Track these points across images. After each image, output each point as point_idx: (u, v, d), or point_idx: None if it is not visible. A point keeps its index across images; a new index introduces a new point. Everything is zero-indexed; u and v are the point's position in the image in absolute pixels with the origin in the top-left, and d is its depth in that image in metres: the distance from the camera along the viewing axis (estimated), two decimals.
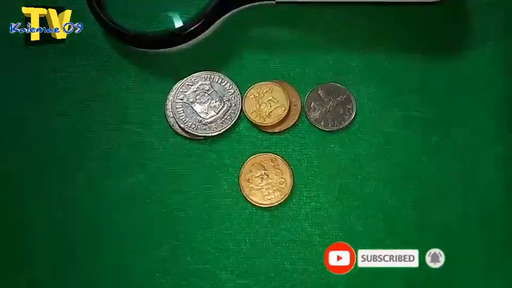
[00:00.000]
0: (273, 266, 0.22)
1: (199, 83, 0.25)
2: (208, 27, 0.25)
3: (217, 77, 0.25)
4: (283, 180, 0.23)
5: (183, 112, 0.24)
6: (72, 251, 0.23)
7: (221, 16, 0.25)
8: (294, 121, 0.24)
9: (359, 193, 0.23)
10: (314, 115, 0.24)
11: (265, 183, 0.23)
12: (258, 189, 0.23)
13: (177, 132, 0.24)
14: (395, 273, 0.22)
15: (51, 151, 0.24)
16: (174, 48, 0.25)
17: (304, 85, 0.24)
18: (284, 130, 0.24)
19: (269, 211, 0.23)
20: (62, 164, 0.24)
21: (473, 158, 0.23)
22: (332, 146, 0.24)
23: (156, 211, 0.23)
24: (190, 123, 0.24)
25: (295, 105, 0.24)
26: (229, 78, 0.25)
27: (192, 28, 0.24)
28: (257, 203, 0.23)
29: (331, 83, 0.24)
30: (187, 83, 0.25)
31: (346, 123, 0.24)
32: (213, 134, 0.24)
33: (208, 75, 0.25)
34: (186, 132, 0.24)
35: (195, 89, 0.25)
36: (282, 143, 0.24)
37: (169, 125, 0.24)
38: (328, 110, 0.24)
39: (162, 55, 0.25)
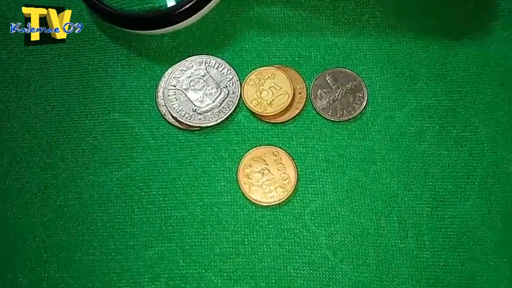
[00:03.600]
0: (274, 271, 0.21)
1: (194, 68, 0.23)
2: (204, 6, 0.23)
3: (214, 62, 0.23)
4: (286, 175, 0.21)
5: (176, 100, 0.23)
6: (53, 252, 0.21)
7: None
8: (299, 110, 0.22)
9: (371, 190, 0.22)
10: (321, 104, 0.22)
11: (266, 179, 0.21)
12: (259, 186, 0.21)
13: (169, 122, 0.22)
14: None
15: (32, 142, 0.23)
16: (166, 30, 0.23)
17: (310, 71, 0.23)
18: (288, 120, 0.22)
19: (270, 210, 0.21)
20: (43, 157, 0.22)
21: (496, 151, 0.22)
22: (341, 137, 0.22)
23: (145, 209, 0.22)
24: (183, 112, 0.22)
25: (300, 93, 0.23)
26: (227, 62, 0.23)
27: (186, 7, 0.22)
28: (257, 201, 0.21)
29: (339, 68, 0.23)
30: (180, 68, 0.23)
31: (357, 112, 0.22)
32: (208, 125, 0.22)
33: (204, 60, 0.23)
34: (179, 122, 0.22)
35: (189, 75, 0.23)
36: (285, 135, 0.22)
37: (161, 114, 0.23)
38: (337, 98, 0.22)
39: (153, 37, 0.24)
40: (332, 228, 0.21)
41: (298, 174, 0.22)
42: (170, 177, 0.22)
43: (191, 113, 0.22)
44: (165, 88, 0.23)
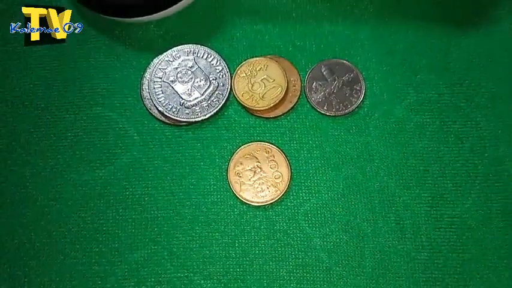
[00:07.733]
0: (266, 274, 0.20)
1: (182, 58, 0.22)
2: None
3: (203, 52, 0.22)
4: (279, 174, 0.21)
5: (162, 93, 0.22)
6: (33, 255, 0.20)
7: None
8: (293, 104, 0.22)
9: (367, 189, 0.21)
10: (316, 97, 0.22)
11: (258, 177, 0.21)
12: (250, 185, 0.21)
13: (155, 117, 0.22)
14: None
15: (8, 137, 0.21)
16: (152, 17, 0.22)
17: (305, 62, 0.22)
18: (281, 115, 0.22)
19: (262, 210, 0.21)
20: (19, 153, 0.21)
21: (498, 148, 0.21)
22: (337, 133, 0.21)
23: (130, 210, 0.21)
24: (170, 106, 0.21)
25: (294, 86, 0.22)
26: (217, 52, 0.22)
27: None
28: (248, 200, 0.20)
29: (336, 59, 0.22)
30: (167, 59, 0.22)
31: (354, 106, 0.22)
32: (197, 119, 0.21)
33: (192, 50, 0.22)
34: (165, 116, 0.21)
35: (176, 66, 0.22)
36: (279, 130, 0.22)
37: (146, 108, 0.22)
38: (333, 91, 0.22)
39: (138, 25, 0.23)
40: (327, 229, 0.20)
41: (291, 172, 0.21)
42: (156, 176, 0.21)
43: (178, 107, 0.21)
44: (151, 80, 0.22)
